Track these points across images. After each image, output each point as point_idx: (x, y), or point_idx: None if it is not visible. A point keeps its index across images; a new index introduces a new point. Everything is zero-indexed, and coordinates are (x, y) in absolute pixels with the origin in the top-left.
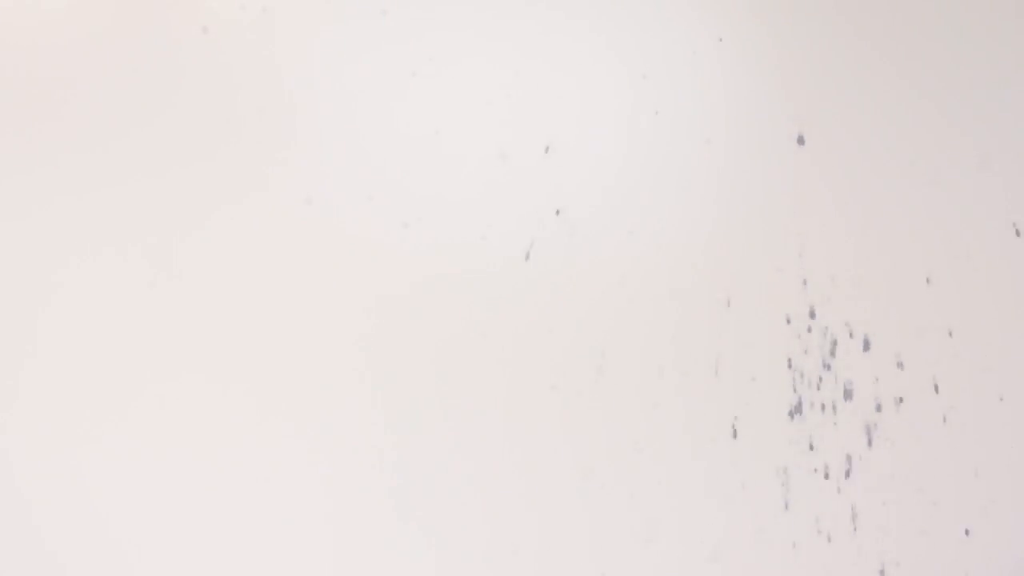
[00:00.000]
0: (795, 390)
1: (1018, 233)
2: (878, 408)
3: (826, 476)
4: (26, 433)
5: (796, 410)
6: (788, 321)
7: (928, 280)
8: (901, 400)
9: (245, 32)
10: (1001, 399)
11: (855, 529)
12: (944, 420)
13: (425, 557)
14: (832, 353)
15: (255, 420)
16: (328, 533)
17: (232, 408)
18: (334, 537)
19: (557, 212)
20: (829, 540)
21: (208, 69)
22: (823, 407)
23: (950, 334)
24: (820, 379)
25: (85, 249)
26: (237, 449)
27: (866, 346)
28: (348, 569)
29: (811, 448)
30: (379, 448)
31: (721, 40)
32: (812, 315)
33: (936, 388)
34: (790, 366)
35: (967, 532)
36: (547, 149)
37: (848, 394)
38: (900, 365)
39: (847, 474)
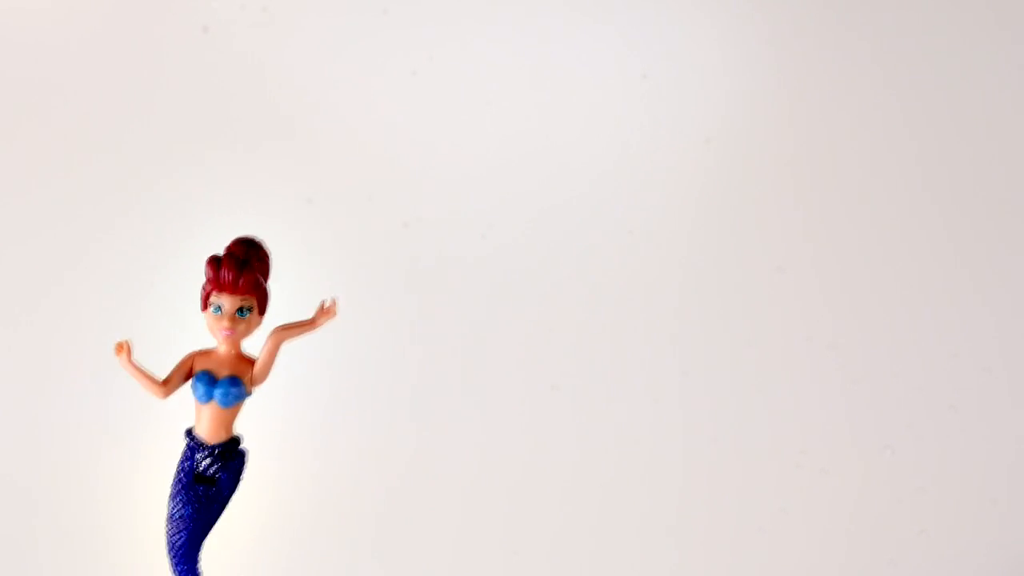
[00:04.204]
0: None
1: None
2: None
3: (826, 474)
4: (25, 429)
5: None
6: (786, 320)
7: (924, 290)
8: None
9: (245, 32)
10: (1000, 401)
11: (856, 527)
12: (943, 421)
13: (425, 556)
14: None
15: (254, 418)
16: (327, 531)
17: None
18: (333, 534)
19: (557, 212)
20: (829, 538)
21: (208, 69)
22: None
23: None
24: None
25: (85, 247)
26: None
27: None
28: (348, 566)
29: (810, 446)
30: (378, 447)
31: (721, 40)
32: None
33: (936, 388)
34: (789, 365)
35: (968, 532)
36: (547, 149)
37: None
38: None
39: (847, 473)
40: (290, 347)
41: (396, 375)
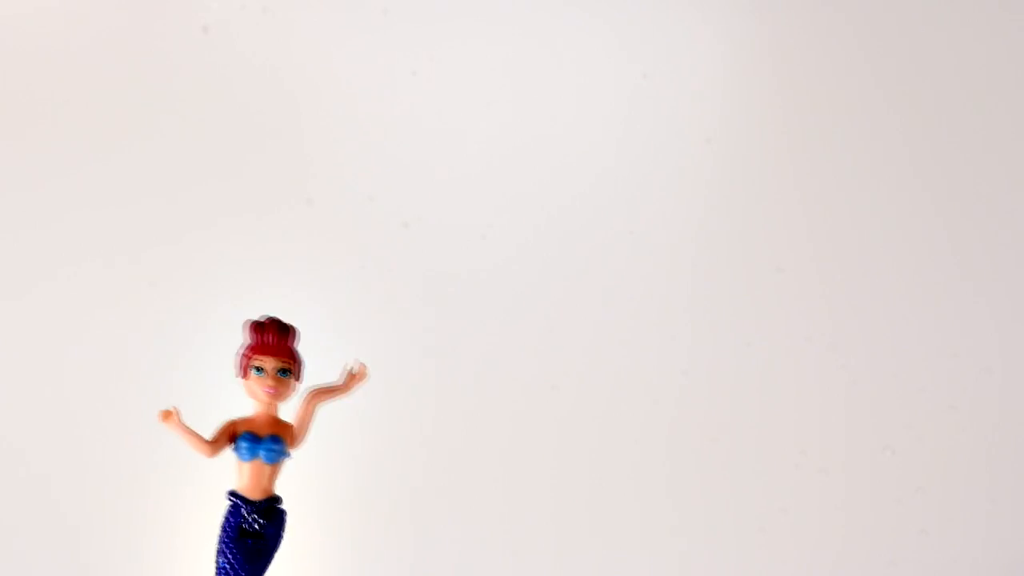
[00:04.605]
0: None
1: None
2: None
3: (826, 474)
4: (26, 428)
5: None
6: (786, 320)
7: (924, 290)
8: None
9: (245, 32)
10: (1001, 401)
11: (856, 527)
12: (943, 421)
13: (425, 555)
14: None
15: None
16: (327, 532)
17: (232, 405)
18: (333, 536)
19: (558, 211)
20: (829, 538)
21: (208, 69)
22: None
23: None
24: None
25: (90, 247)
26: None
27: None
28: (351, 565)
29: (810, 446)
30: (378, 448)
31: (721, 40)
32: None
33: (936, 388)
34: (789, 365)
35: (968, 532)
36: (547, 149)
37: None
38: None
39: (847, 473)
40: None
41: (395, 375)
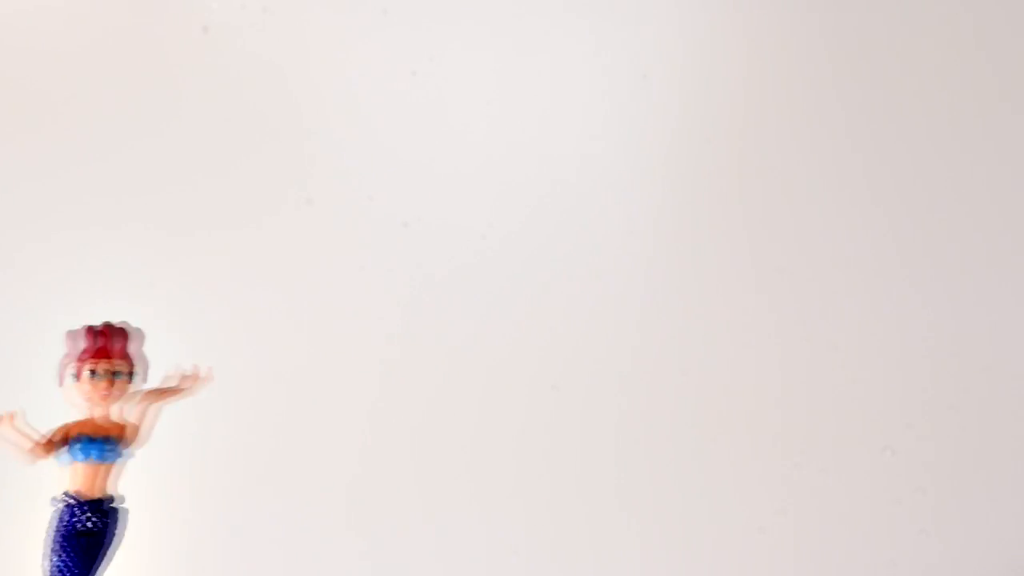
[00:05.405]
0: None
1: None
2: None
3: (826, 474)
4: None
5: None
6: (786, 320)
7: (923, 290)
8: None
9: (245, 32)
10: (1000, 401)
11: (856, 527)
12: (943, 421)
13: (424, 556)
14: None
15: (253, 416)
16: (330, 529)
17: (231, 405)
18: (335, 532)
19: (557, 211)
20: (829, 538)
21: (208, 69)
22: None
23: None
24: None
25: (87, 246)
26: (234, 444)
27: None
28: (350, 563)
29: (810, 446)
30: (376, 447)
31: (721, 41)
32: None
33: (936, 388)
34: (789, 365)
35: (968, 532)
36: (547, 148)
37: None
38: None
39: (847, 473)
40: (287, 345)
41: (395, 375)
